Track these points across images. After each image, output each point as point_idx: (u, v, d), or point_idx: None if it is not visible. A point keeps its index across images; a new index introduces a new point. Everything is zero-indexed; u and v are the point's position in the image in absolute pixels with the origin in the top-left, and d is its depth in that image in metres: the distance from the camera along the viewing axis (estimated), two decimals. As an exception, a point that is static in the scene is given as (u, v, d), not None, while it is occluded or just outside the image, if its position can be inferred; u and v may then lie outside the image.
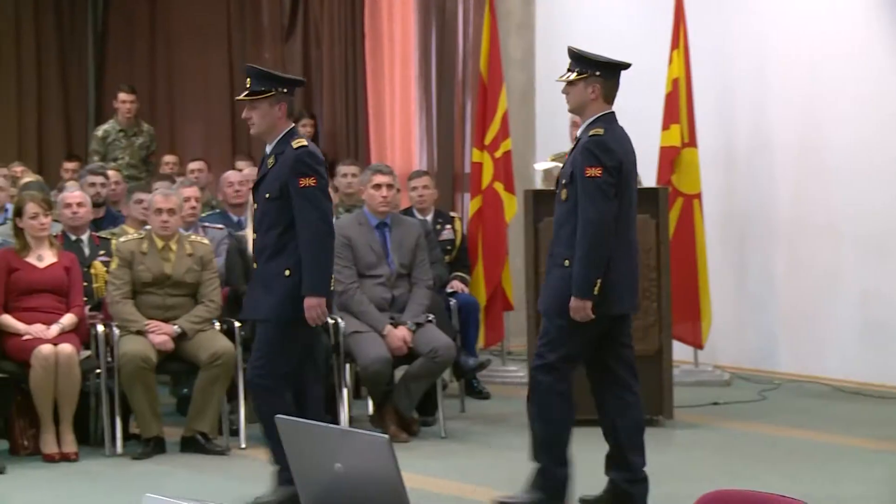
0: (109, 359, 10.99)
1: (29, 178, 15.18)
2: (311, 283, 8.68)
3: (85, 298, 11.48)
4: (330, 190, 13.30)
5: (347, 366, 11.61)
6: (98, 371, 11.08)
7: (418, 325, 11.51)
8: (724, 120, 14.15)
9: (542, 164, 13.36)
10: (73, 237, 12.27)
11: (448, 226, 13.81)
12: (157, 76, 21.10)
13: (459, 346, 12.44)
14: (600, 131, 8.78)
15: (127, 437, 11.12)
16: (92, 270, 11.88)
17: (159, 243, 11.34)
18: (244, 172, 14.28)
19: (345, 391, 11.65)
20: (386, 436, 4.39)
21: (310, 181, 8.55)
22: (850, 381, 13.52)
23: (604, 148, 8.73)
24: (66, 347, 10.61)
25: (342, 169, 14.24)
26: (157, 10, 21.17)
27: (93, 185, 13.77)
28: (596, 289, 8.64)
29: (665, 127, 13.31)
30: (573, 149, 8.99)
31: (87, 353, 11.08)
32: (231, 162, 17.33)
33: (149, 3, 21.30)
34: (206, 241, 12.04)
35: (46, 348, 10.62)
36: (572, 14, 15.79)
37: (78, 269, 11.42)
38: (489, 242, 13.91)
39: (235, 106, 19.71)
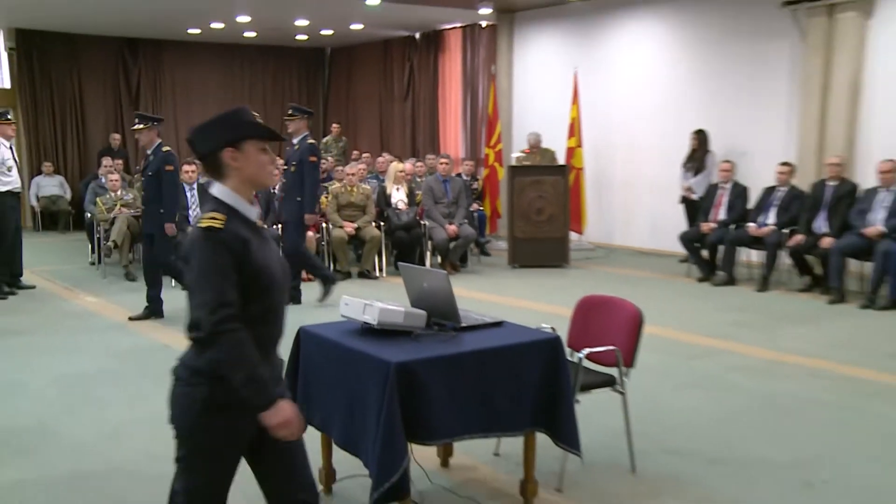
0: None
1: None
2: (169, 216, 8.67)
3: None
4: (421, 162, 13.61)
5: (429, 242, 11.56)
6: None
7: (460, 224, 11.52)
8: (595, 136, 13.65)
9: (514, 155, 13.26)
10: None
11: (475, 182, 13.88)
12: (349, 113, 20.27)
13: (477, 233, 12.40)
14: (313, 141, 9.39)
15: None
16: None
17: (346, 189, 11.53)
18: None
19: (427, 254, 11.68)
20: (445, 271, 4.63)
21: (170, 168, 8.61)
22: (644, 248, 13.30)
23: (316, 149, 9.42)
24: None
25: (430, 157, 13.89)
26: (351, 81, 20.34)
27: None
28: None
29: (569, 137, 13.13)
30: (298, 149, 9.19)
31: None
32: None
33: (347, 79, 20.52)
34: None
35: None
36: (521, 83, 15.21)
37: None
38: (492, 189, 13.72)
39: (387, 127, 19.78)
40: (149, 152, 8.75)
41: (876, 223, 9.49)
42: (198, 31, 17.54)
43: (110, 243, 11.27)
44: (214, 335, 2.71)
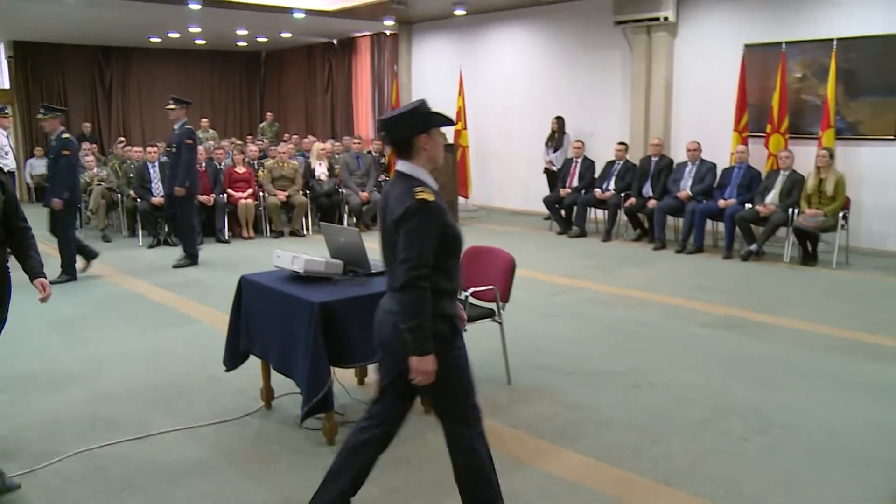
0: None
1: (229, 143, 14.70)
2: (58, 193, 7.76)
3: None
4: (338, 142, 13.05)
5: (346, 206, 11.34)
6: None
7: (371, 191, 11.33)
8: (477, 120, 13.55)
9: None
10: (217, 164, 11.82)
11: (383, 157, 13.43)
12: (281, 104, 19.75)
13: None
14: (190, 127, 8.72)
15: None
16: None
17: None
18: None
19: (345, 215, 11.44)
20: (358, 229, 4.57)
21: (66, 152, 7.75)
22: (516, 208, 13.27)
23: (193, 133, 8.70)
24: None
25: (346, 138, 13.53)
26: (282, 78, 19.96)
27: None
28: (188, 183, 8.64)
29: (457, 122, 12.89)
30: (178, 133, 8.61)
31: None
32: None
33: (278, 76, 20.12)
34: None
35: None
36: (418, 79, 15.02)
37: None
38: (391, 164, 13.62)
39: (311, 115, 19.42)
40: (52, 138, 7.99)
41: (685, 189, 9.71)
42: (158, 39, 17.32)
43: (88, 212, 11.03)
44: (408, 286, 2.74)
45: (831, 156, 8.62)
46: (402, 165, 2.92)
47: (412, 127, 2.90)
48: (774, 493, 3.49)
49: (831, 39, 9.21)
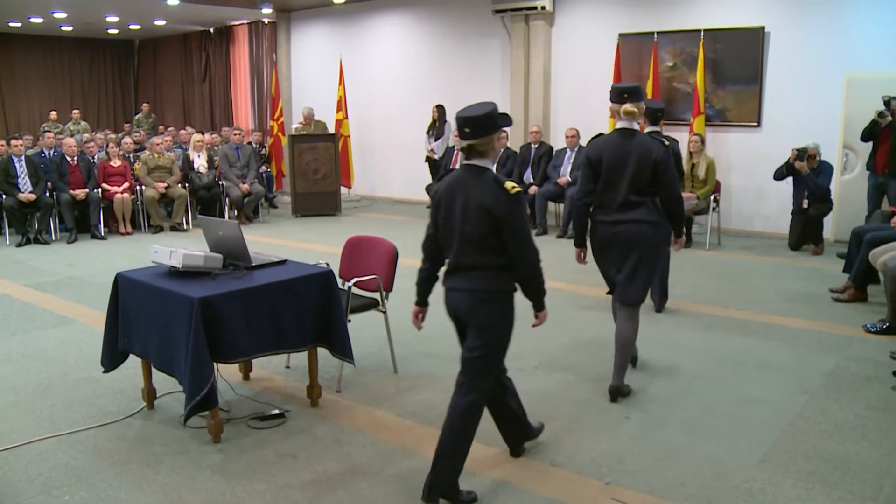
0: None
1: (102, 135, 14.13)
2: None
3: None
4: (217, 134, 12.70)
5: (227, 198, 11.07)
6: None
7: (251, 183, 11.08)
8: (358, 109, 13.43)
9: (293, 126, 13.03)
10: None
11: (263, 149, 13.39)
12: (156, 94, 19.20)
13: (266, 190, 12.08)
14: None
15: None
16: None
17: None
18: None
19: (226, 208, 11.17)
20: (236, 221, 4.46)
21: None
22: (399, 197, 13.31)
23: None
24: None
25: (225, 129, 13.21)
26: (157, 68, 19.43)
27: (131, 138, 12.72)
28: None
29: (338, 111, 12.93)
30: None
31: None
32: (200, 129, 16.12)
33: (153, 66, 19.50)
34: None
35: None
36: (298, 68, 14.88)
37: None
38: (277, 154, 13.29)
39: (189, 105, 18.91)
40: None
41: (565, 175, 9.97)
42: (18, 24, 16.35)
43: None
44: (540, 271, 3.30)
45: (702, 141, 9.04)
46: (480, 161, 3.23)
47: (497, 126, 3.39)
48: (655, 465, 3.63)
49: (699, 30, 9.66)
